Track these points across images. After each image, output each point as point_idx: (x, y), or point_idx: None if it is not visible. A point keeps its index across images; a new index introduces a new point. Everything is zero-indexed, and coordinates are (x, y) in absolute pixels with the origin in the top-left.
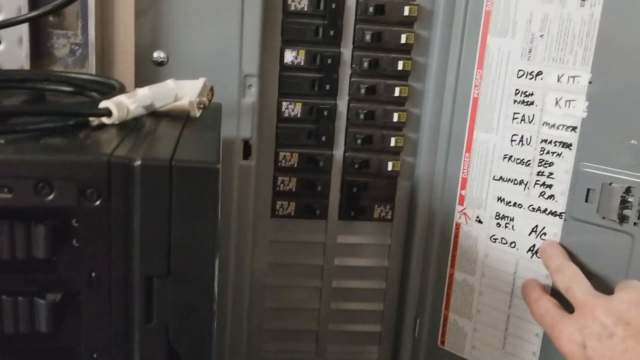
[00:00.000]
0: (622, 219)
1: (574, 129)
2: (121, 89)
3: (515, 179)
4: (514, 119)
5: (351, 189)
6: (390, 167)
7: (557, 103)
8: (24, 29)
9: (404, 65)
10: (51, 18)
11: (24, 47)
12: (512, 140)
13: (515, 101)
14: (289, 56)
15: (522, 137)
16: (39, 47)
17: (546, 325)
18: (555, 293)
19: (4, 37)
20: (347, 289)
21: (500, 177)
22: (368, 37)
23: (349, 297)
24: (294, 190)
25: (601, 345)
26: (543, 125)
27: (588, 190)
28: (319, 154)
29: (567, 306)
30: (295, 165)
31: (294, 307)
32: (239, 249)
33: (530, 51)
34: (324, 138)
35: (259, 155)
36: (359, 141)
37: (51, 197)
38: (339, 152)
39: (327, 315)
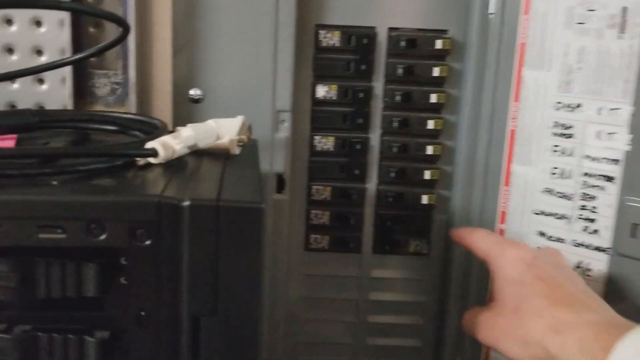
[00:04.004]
0: None
1: (616, 162)
2: (163, 128)
3: (556, 213)
4: (553, 151)
5: (385, 223)
6: (425, 200)
7: (598, 136)
8: (67, 69)
9: (437, 98)
10: (92, 58)
11: (67, 86)
12: (552, 174)
13: (554, 134)
14: (321, 91)
15: (562, 170)
16: (81, 86)
17: (487, 248)
18: None
19: (47, 77)
20: (383, 324)
21: (541, 212)
22: (400, 71)
23: (384, 332)
24: (327, 223)
25: (549, 263)
26: (584, 158)
27: (634, 225)
28: (352, 187)
29: None
30: (328, 199)
31: (328, 342)
32: (273, 282)
33: (568, 83)
34: (356, 171)
35: (292, 189)
36: (392, 174)
37: (103, 237)
38: (371, 185)
39: (361, 350)
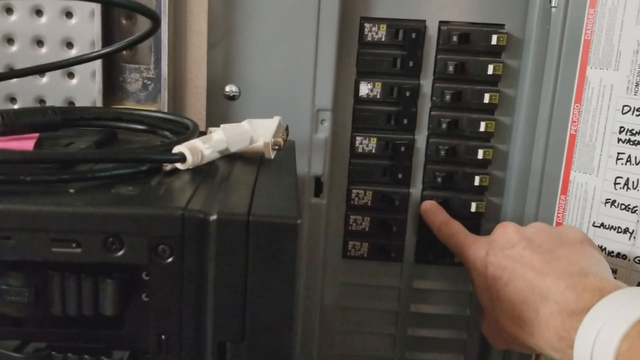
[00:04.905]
0: None
1: None
2: (194, 130)
3: (619, 227)
4: (618, 159)
5: (429, 231)
6: (473, 208)
7: None
8: (97, 63)
9: (490, 97)
10: (124, 52)
11: (97, 81)
12: (615, 184)
13: (619, 140)
14: (364, 89)
15: (627, 180)
16: (112, 81)
17: (455, 243)
18: None
19: (77, 71)
20: (424, 338)
21: (601, 224)
22: (451, 68)
23: (425, 346)
24: (367, 230)
25: (501, 253)
26: None
27: None
28: (395, 192)
29: None
30: (369, 204)
31: (365, 355)
32: (308, 290)
33: (637, 85)
34: (400, 175)
35: (330, 192)
36: (439, 179)
37: (121, 253)
38: (416, 190)
39: None
